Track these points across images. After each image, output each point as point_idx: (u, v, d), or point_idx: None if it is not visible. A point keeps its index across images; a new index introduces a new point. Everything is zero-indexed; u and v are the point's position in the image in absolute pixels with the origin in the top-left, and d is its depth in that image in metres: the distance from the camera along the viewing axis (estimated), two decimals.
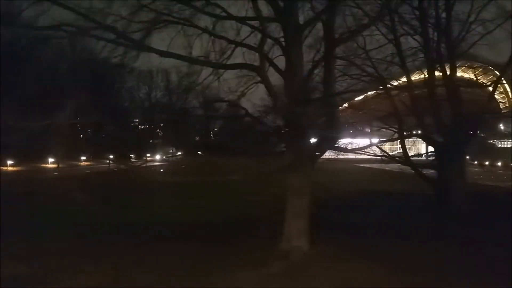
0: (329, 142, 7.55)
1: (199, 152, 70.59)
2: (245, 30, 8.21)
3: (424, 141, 16.76)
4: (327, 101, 7.37)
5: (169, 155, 52.01)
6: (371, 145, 11.82)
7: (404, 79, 13.88)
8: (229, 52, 7.67)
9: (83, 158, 42.88)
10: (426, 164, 15.63)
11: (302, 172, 7.32)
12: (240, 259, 7.36)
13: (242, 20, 7.35)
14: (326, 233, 8.54)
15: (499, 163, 38.34)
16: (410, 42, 12.61)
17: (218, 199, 16.06)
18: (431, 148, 15.67)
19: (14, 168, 32.44)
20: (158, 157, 51.35)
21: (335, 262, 7.14)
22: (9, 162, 32.11)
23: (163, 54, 7.30)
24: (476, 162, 38.18)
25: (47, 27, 7.26)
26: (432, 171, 13.48)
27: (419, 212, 12.46)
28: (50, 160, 37.58)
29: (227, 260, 7.26)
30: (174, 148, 51.18)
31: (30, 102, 39.40)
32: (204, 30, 7.85)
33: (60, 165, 36.10)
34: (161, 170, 41.68)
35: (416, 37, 12.42)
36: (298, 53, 7.03)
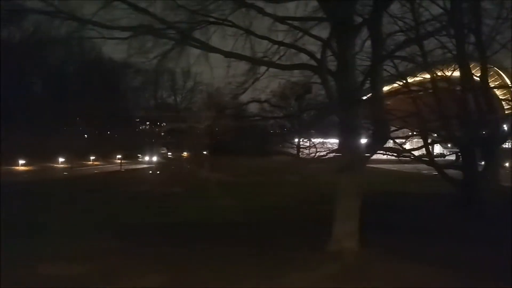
0: (379, 142, 7.59)
1: (204, 152, 70.58)
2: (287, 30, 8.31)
3: (447, 142, 16.84)
4: (378, 103, 7.42)
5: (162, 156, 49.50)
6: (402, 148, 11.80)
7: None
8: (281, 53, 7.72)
9: (92, 158, 42.82)
10: (449, 165, 15.68)
11: (353, 173, 7.36)
12: (291, 260, 7.38)
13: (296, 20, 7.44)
14: (368, 234, 8.56)
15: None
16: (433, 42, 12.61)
17: (249, 199, 16.08)
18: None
19: (26, 168, 32.54)
20: (147, 158, 47.11)
21: (389, 263, 7.17)
22: (21, 161, 32.27)
23: (227, 55, 7.36)
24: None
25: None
26: (453, 171, 13.54)
27: (449, 212, 12.50)
28: (61, 160, 37.79)
29: (278, 261, 7.29)
30: (165, 149, 49.51)
31: (40, 103, 39.56)
32: (247, 31, 7.93)
33: (71, 165, 36.22)
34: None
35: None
36: (351, 56, 7.08)
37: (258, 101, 11.17)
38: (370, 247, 7.79)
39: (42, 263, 7.22)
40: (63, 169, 35.73)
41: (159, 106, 70.31)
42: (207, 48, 7.40)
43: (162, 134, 71.85)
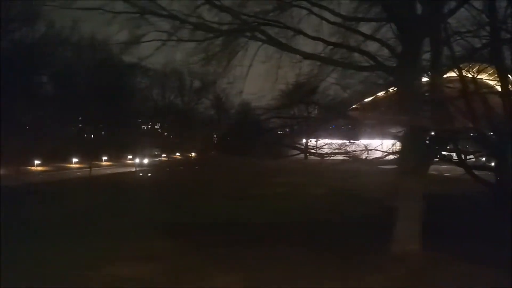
0: (444, 144, 7.58)
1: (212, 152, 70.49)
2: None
3: (477, 142, 16.70)
4: (446, 103, 7.43)
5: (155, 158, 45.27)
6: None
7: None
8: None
9: (104, 158, 42.80)
10: (480, 166, 15.58)
11: (417, 176, 7.37)
12: (354, 262, 7.39)
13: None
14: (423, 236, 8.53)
15: None
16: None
17: (287, 200, 16.08)
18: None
19: (42, 168, 32.61)
20: (138, 160, 42.21)
21: (453, 265, 7.17)
22: (36, 162, 32.40)
23: (307, 56, 7.37)
24: None
25: None
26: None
27: (489, 213, 12.44)
28: (74, 160, 37.95)
29: (342, 263, 7.28)
30: (159, 150, 46.20)
31: (51, 104, 39.57)
32: (299, 31, 7.94)
33: (85, 165, 36.34)
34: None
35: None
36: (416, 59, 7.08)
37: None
38: (430, 250, 7.77)
39: (109, 264, 7.27)
40: (78, 169, 35.73)
41: (166, 107, 70.77)
42: (288, 48, 7.42)
43: (165, 134, 72.14)
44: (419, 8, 7.39)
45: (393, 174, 8.32)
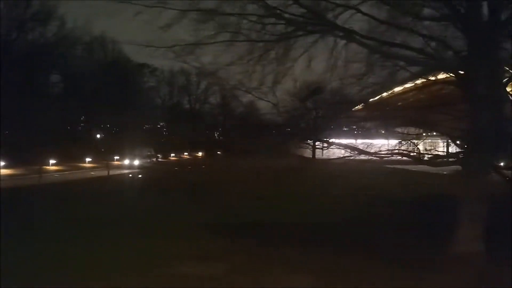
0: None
1: (218, 152, 70.31)
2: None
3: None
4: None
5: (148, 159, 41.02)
6: None
7: None
8: None
9: (116, 157, 42.60)
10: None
11: (482, 177, 7.37)
12: (418, 263, 7.33)
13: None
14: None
15: None
16: None
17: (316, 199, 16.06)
18: None
19: (57, 168, 32.62)
20: (128, 161, 38.66)
21: None
22: (51, 161, 32.45)
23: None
24: None
25: None
26: None
27: None
28: (88, 159, 37.98)
29: (407, 264, 7.23)
30: (152, 150, 42.66)
31: (63, 103, 39.66)
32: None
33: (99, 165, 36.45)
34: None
35: None
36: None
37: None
38: (494, 250, 7.71)
39: (173, 263, 7.26)
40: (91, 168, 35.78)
41: (174, 106, 70.78)
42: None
43: (166, 133, 71.90)
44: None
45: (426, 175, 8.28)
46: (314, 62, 8.40)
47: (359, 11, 7.43)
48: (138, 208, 13.71)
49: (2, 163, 27.81)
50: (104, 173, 30.09)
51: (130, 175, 30.68)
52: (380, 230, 9.92)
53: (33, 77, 36.58)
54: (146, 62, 62.04)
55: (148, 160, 41.15)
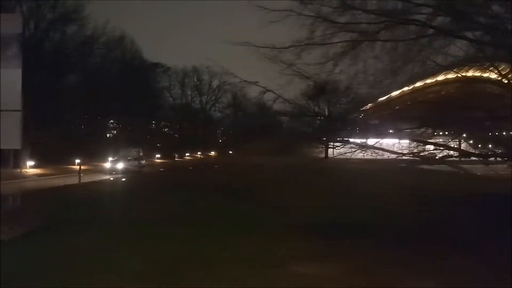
0: None
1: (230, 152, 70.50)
2: None
3: None
4: None
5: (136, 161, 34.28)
6: None
7: None
8: None
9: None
10: None
11: None
12: None
13: None
14: None
15: None
16: None
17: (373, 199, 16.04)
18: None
19: (83, 167, 32.53)
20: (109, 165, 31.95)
21: None
22: (77, 160, 32.48)
23: None
24: None
25: None
26: None
27: None
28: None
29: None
30: (140, 150, 36.24)
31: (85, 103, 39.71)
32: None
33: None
34: None
35: None
36: None
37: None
38: None
39: (288, 262, 7.27)
40: None
41: (186, 105, 70.88)
42: None
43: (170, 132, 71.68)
44: None
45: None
46: None
47: None
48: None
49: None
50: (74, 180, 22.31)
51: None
52: (471, 230, 9.90)
53: (60, 77, 36.70)
54: (160, 62, 62.86)
55: (138, 163, 34.24)
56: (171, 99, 69.16)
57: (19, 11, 29.41)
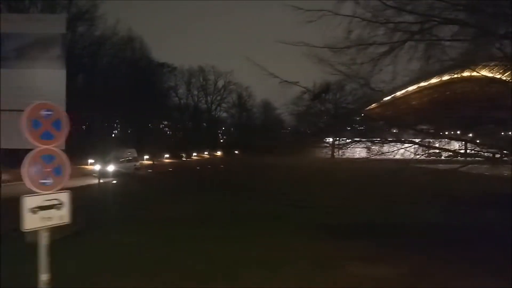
0: None
1: (236, 152, 70.38)
2: None
3: None
4: None
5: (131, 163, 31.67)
6: None
7: None
8: None
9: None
10: None
11: None
12: None
13: None
14: None
15: None
16: None
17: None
18: None
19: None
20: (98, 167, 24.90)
21: None
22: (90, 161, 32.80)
23: None
24: None
25: None
26: None
27: None
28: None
29: None
30: (134, 151, 33.50)
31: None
32: None
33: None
34: None
35: None
36: None
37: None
38: None
39: (343, 263, 7.32)
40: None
41: (192, 105, 70.92)
42: None
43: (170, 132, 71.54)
44: None
45: None
46: None
47: None
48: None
49: None
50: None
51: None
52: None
53: (71, 77, 36.56)
54: (166, 62, 62.87)
55: (133, 165, 31.57)
56: (177, 99, 69.23)
57: (35, 11, 29.52)
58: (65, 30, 11.63)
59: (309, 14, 9.00)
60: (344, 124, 13.36)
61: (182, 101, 69.88)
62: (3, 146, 11.73)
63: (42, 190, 3.57)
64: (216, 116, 73.77)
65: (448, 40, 8.86)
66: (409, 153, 10.85)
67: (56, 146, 3.77)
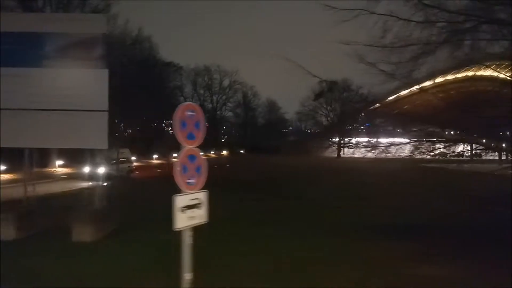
0: None
1: (241, 151, 70.24)
2: None
3: None
4: None
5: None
6: None
7: None
8: None
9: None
10: None
11: None
12: None
13: None
14: None
15: None
16: None
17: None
18: None
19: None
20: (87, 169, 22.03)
21: None
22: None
23: None
24: None
25: None
26: None
27: None
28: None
29: None
30: (127, 151, 31.25)
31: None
32: None
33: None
34: None
35: None
36: None
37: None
38: None
39: (398, 263, 7.40)
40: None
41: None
42: None
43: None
44: None
45: None
46: None
47: None
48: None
49: None
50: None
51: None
52: None
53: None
54: (172, 61, 62.78)
55: (127, 166, 29.60)
56: (182, 98, 69.10)
57: (46, 10, 29.41)
58: (106, 30, 11.52)
59: (343, 13, 8.88)
60: (353, 122, 13.39)
61: (188, 101, 69.76)
62: (40, 145, 11.59)
63: (188, 190, 3.62)
64: (221, 115, 73.74)
65: (489, 40, 8.91)
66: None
67: (196, 147, 3.81)
